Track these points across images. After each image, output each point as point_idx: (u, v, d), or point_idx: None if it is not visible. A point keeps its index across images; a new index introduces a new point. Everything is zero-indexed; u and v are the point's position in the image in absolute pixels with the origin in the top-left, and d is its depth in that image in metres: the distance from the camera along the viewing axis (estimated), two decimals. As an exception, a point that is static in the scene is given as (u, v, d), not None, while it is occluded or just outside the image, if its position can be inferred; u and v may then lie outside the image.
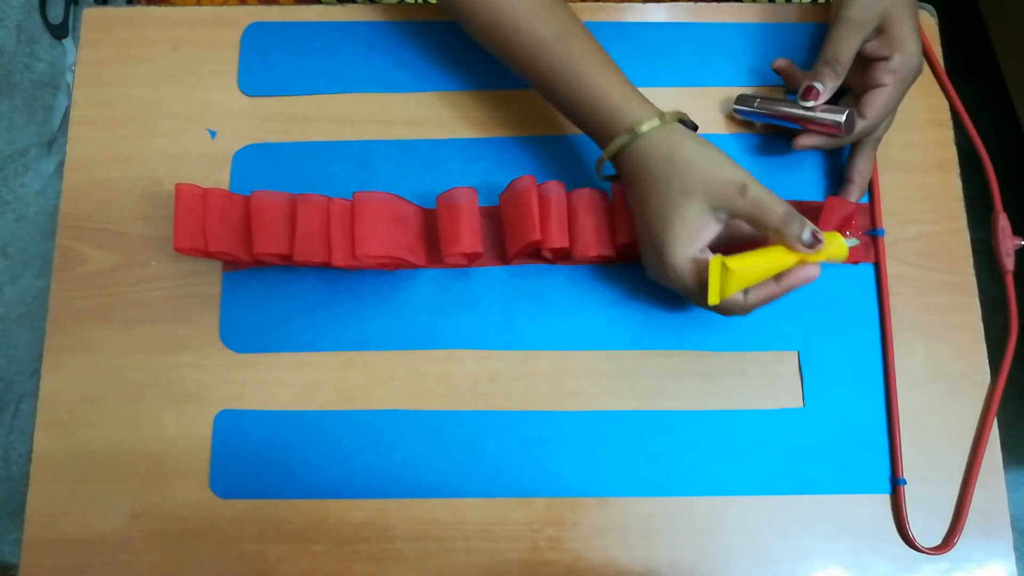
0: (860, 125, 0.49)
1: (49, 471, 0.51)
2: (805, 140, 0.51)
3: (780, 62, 0.54)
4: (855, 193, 0.52)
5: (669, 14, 0.58)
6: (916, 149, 0.56)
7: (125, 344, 0.53)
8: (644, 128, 0.45)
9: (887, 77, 0.49)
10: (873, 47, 0.50)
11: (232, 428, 0.51)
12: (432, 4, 0.59)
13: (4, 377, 1.17)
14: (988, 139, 0.56)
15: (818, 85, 0.49)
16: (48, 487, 0.51)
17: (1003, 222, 0.53)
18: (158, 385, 0.52)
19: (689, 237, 0.44)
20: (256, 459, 0.51)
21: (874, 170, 0.54)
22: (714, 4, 0.59)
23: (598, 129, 0.47)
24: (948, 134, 0.56)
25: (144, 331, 0.53)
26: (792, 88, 0.55)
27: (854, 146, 0.53)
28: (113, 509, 0.51)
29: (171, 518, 0.50)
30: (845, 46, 0.49)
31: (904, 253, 0.54)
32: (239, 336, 0.53)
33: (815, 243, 0.43)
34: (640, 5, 0.59)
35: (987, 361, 0.52)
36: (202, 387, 0.52)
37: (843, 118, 0.49)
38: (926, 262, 0.54)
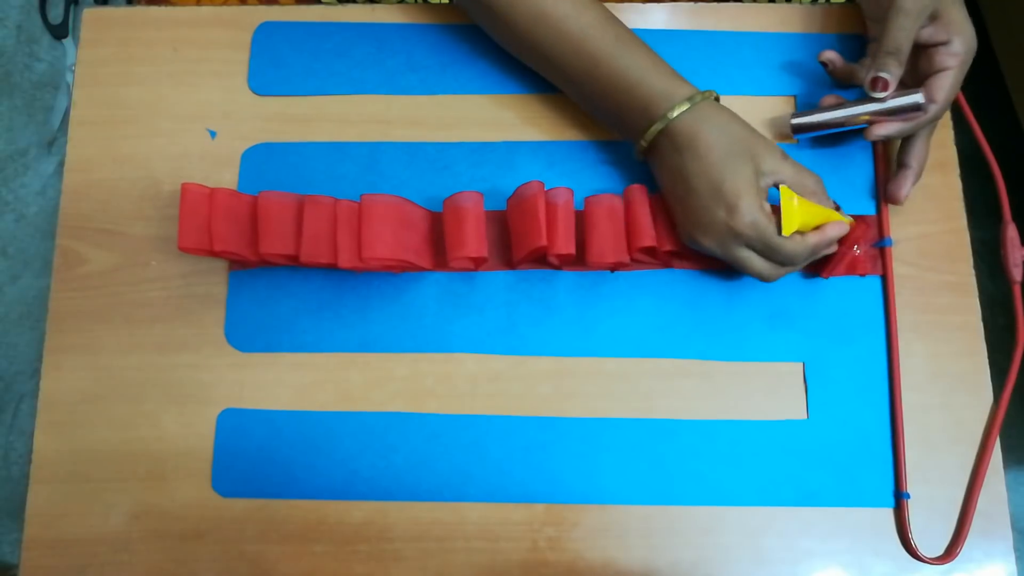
0: (932, 109, 0.50)
1: (49, 471, 0.51)
2: (880, 130, 0.51)
3: (828, 53, 0.54)
4: (912, 179, 0.52)
5: (670, 15, 0.58)
6: (916, 149, 0.56)
7: (125, 344, 0.53)
8: (698, 98, 0.48)
9: (950, 60, 0.50)
10: (929, 33, 0.50)
11: (235, 427, 0.51)
12: (444, 5, 0.59)
13: (4, 377, 1.17)
14: (988, 140, 0.56)
15: (885, 74, 0.49)
16: (48, 487, 0.51)
17: (1012, 232, 0.53)
18: (158, 385, 0.52)
19: (755, 188, 0.47)
20: (258, 458, 0.51)
21: (881, 174, 0.54)
22: (715, 4, 0.59)
23: (651, 103, 0.48)
24: (948, 134, 0.56)
25: (144, 331, 0.53)
26: (840, 80, 0.55)
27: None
28: (113, 509, 0.51)
29: (171, 518, 0.50)
30: (904, 35, 0.49)
31: (904, 253, 0.54)
32: (244, 335, 0.53)
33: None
34: (640, 5, 0.59)
35: (987, 361, 0.52)
36: (202, 387, 0.52)
37: (922, 97, 0.49)
38: (926, 262, 0.54)
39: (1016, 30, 1.05)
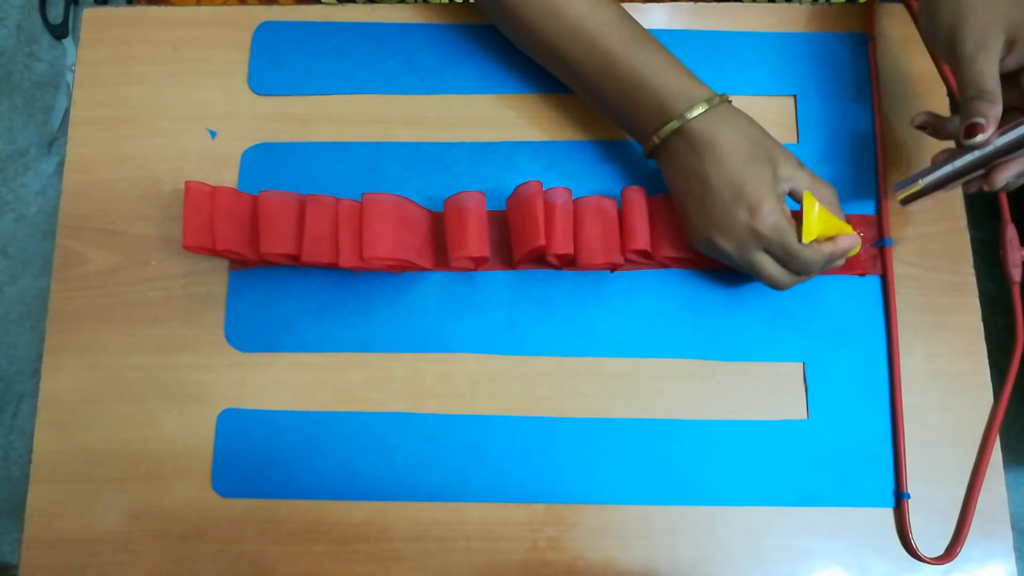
0: None
1: (49, 471, 0.51)
2: (1002, 174, 0.45)
3: (921, 117, 0.49)
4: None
5: (670, 15, 0.58)
6: (916, 150, 0.56)
7: (125, 344, 0.53)
8: (716, 100, 0.48)
9: None
10: (1016, 59, 0.45)
11: (235, 427, 0.51)
12: (444, 5, 0.59)
13: (4, 377, 1.17)
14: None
15: (979, 120, 0.44)
16: (48, 487, 0.51)
17: (1011, 233, 0.53)
18: (158, 385, 0.52)
19: (775, 192, 0.47)
20: (258, 458, 0.51)
21: (882, 178, 0.54)
22: (715, 4, 0.59)
23: (667, 102, 0.48)
24: (948, 134, 0.56)
25: (144, 331, 0.53)
26: (947, 138, 0.48)
27: None
28: (113, 509, 0.51)
29: (171, 518, 0.50)
30: (986, 75, 0.44)
31: (904, 253, 0.54)
32: (244, 335, 0.53)
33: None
34: (640, 5, 0.59)
35: (987, 361, 0.52)
36: (202, 387, 0.52)
37: None
38: (926, 262, 0.54)
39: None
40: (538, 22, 0.50)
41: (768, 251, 0.47)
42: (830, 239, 0.48)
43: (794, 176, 0.48)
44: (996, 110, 0.44)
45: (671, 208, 0.51)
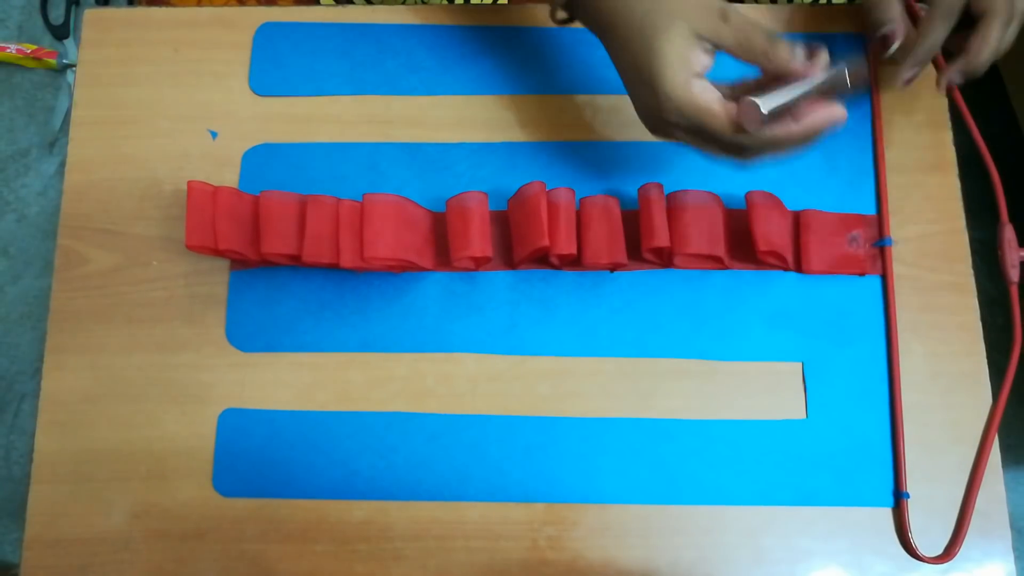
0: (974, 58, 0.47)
1: (50, 471, 0.51)
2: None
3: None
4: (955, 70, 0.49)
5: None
6: (915, 150, 0.56)
7: (126, 344, 0.53)
8: None
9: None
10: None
11: (236, 426, 0.51)
12: (444, 5, 0.59)
13: (5, 377, 1.17)
14: (986, 141, 0.56)
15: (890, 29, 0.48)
16: (49, 487, 0.51)
17: (1009, 234, 0.53)
18: (159, 385, 0.52)
19: (681, 61, 0.40)
20: (258, 458, 0.51)
21: (884, 181, 0.54)
22: (714, 5, 0.59)
23: None
24: (947, 135, 0.56)
25: (145, 331, 0.53)
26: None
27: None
28: (114, 509, 0.51)
29: (172, 518, 0.50)
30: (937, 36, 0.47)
31: (903, 253, 0.54)
32: (245, 335, 0.53)
33: (812, 63, 0.40)
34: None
35: (986, 361, 0.52)
36: (203, 387, 0.52)
37: (845, 70, 0.41)
38: (925, 262, 0.54)
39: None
40: None
41: (689, 133, 0.41)
42: (790, 113, 0.39)
43: (714, 32, 0.40)
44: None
45: (693, 206, 0.50)
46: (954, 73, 0.50)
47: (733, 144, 0.40)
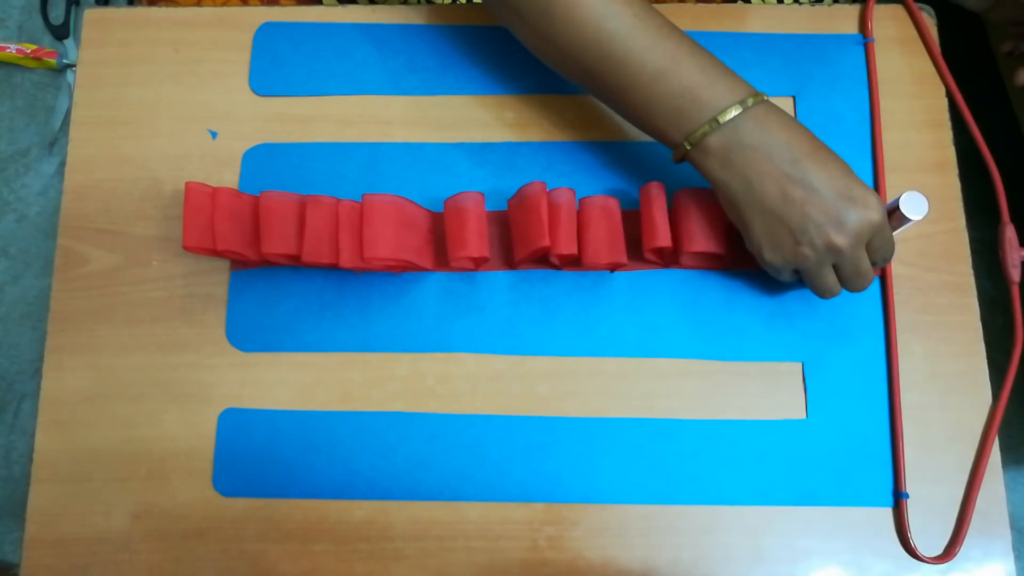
0: None
1: (50, 471, 0.51)
2: None
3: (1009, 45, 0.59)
4: None
5: (670, 16, 0.58)
6: (915, 150, 0.56)
7: (126, 344, 0.53)
8: (753, 100, 0.45)
9: None
10: None
11: (236, 427, 0.52)
12: (444, 6, 0.59)
13: (5, 377, 1.17)
14: (986, 141, 0.56)
15: None
16: (49, 487, 0.51)
17: (1010, 233, 0.53)
18: (159, 385, 0.52)
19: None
20: (259, 458, 0.51)
21: (882, 181, 0.54)
22: (716, 5, 0.59)
23: (708, 99, 0.45)
24: (947, 135, 0.56)
25: (145, 331, 0.53)
26: None
27: None
28: (114, 508, 0.51)
29: (172, 517, 0.51)
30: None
31: (903, 253, 0.54)
32: (245, 335, 0.53)
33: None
34: (640, 6, 0.59)
35: (986, 361, 0.52)
36: (203, 387, 0.52)
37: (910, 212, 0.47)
38: (925, 262, 0.54)
39: (1016, 30, 1.05)
40: (562, 21, 0.46)
41: (850, 254, 0.45)
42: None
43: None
44: None
45: (697, 205, 0.50)
46: None
47: (865, 272, 0.46)
